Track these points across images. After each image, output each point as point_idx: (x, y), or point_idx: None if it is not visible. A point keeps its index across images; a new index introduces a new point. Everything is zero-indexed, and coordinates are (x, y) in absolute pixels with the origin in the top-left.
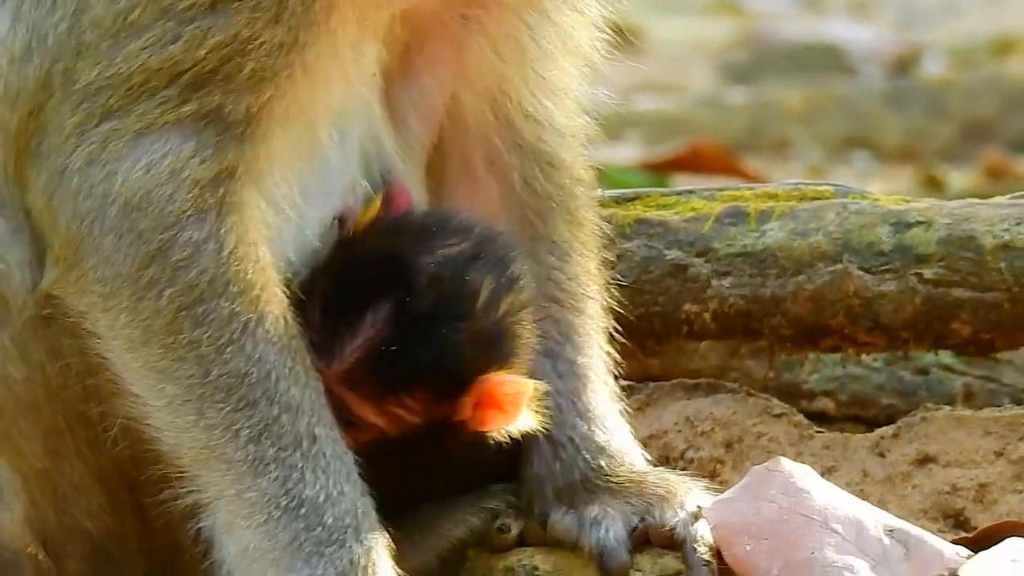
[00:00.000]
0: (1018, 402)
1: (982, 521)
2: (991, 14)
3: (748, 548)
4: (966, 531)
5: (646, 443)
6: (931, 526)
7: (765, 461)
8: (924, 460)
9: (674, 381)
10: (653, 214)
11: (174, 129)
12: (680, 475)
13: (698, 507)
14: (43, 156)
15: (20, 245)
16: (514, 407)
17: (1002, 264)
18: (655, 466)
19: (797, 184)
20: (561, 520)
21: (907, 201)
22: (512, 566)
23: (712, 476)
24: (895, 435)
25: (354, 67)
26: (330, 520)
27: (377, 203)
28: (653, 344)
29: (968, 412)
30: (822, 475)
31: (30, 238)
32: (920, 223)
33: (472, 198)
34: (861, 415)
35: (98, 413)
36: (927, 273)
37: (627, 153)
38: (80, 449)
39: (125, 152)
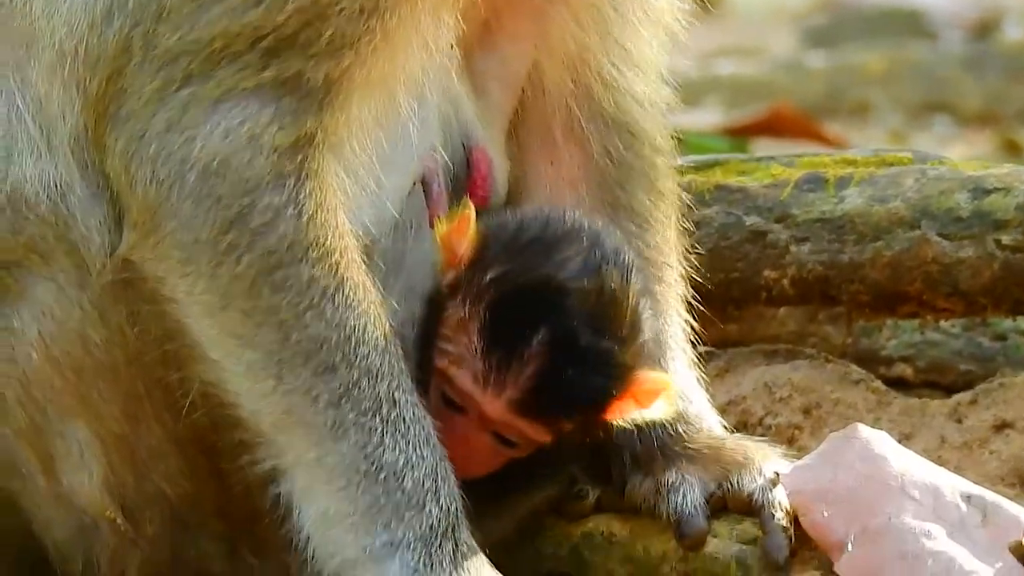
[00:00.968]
0: None
1: None
2: None
3: (825, 514)
4: None
5: (724, 409)
6: (1008, 492)
7: (843, 427)
8: (1001, 426)
9: (752, 347)
10: (732, 180)
11: (253, 95)
12: (758, 441)
13: (776, 473)
14: (122, 121)
15: (99, 208)
16: (651, 400)
17: None
18: (733, 432)
19: (876, 151)
20: (639, 486)
21: (986, 167)
22: (590, 532)
23: (790, 442)
24: (972, 401)
25: (433, 35)
26: (409, 484)
27: (469, 214)
28: (732, 310)
29: None
30: (899, 441)
31: (109, 202)
32: (999, 189)
33: (552, 165)
34: (939, 381)
35: (176, 378)
36: (1005, 239)
37: (707, 118)
38: (159, 414)
39: (204, 118)
